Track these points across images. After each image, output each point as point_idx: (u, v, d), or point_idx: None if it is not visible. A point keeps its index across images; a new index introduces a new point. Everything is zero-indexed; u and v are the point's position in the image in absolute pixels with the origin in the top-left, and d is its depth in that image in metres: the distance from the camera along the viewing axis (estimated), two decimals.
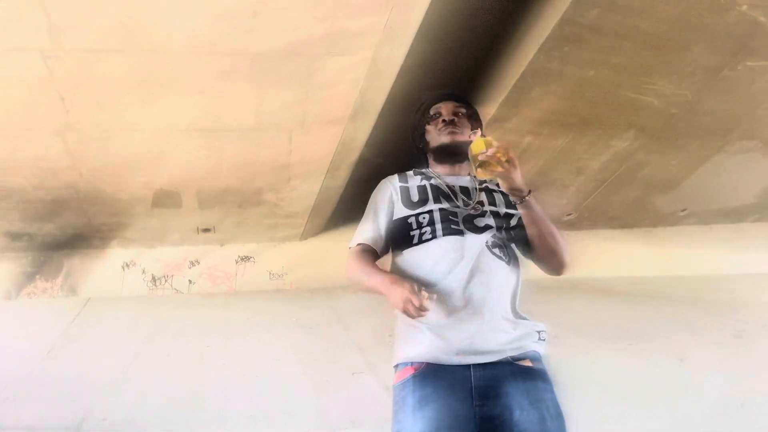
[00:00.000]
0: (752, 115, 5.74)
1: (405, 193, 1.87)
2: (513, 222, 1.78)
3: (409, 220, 1.80)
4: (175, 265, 6.70)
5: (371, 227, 1.87)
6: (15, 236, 6.09)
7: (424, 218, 1.77)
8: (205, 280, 6.72)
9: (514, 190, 1.65)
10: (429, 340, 1.66)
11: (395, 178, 1.96)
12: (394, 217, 1.83)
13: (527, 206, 1.68)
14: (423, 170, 1.97)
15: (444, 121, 1.87)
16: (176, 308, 5.83)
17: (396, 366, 1.72)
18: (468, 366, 1.63)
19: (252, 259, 6.87)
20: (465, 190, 1.87)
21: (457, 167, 1.91)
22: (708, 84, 5.12)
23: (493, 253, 1.71)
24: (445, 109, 1.91)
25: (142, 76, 4.41)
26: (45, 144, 4.92)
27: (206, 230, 6.56)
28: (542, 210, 1.70)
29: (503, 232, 1.77)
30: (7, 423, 2.98)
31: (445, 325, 1.66)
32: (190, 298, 6.43)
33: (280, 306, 5.91)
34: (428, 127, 1.93)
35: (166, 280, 6.64)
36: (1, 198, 5.48)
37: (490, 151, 1.55)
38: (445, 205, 1.80)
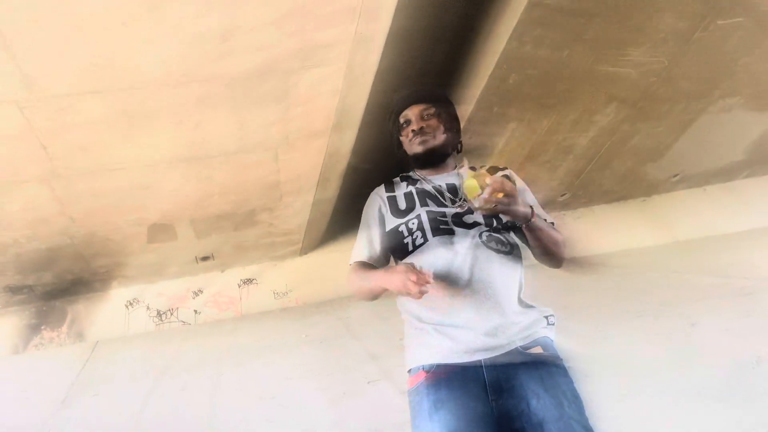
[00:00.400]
0: (730, 73, 5.76)
1: (393, 202, 1.88)
2: (503, 216, 1.79)
3: (400, 229, 1.81)
4: (178, 298, 6.68)
5: (365, 244, 1.88)
6: (15, 290, 6.06)
7: (413, 224, 1.77)
8: (210, 309, 6.69)
9: (518, 218, 1.65)
10: (437, 342, 1.66)
11: (382, 189, 1.96)
12: (387, 229, 1.83)
13: (531, 228, 1.68)
14: (409, 174, 1.98)
15: (413, 130, 1.86)
16: (185, 340, 5.80)
17: (409, 371, 1.72)
18: (479, 362, 1.62)
19: (255, 281, 6.85)
20: (452, 188, 1.87)
21: (440, 167, 1.91)
22: (682, 48, 5.14)
23: (490, 248, 1.71)
24: (412, 114, 1.88)
25: (120, 113, 4.39)
26: (32, 194, 4.90)
27: (205, 258, 6.55)
28: (545, 223, 1.70)
29: (495, 225, 1.77)
30: None
31: (451, 324, 1.66)
32: (197, 328, 6.40)
33: (288, 324, 5.89)
34: (401, 138, 1.93)
35: (171, 314, 6.61)
36: None
37: (486, 193, 1.54)
38: (432, 207, 1.81)
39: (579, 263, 7.02)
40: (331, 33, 4.07)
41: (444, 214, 1.79)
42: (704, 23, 4.84)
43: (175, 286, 6.69)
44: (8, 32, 3.46)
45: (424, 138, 1.85)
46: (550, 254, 1.77)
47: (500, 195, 1.52)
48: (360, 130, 5.20)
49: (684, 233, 7.64)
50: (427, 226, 1.78)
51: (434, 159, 1.87)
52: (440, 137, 1.87)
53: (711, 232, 7.54)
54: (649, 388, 2.95)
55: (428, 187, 1.89)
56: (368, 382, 3.56)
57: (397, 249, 1.83)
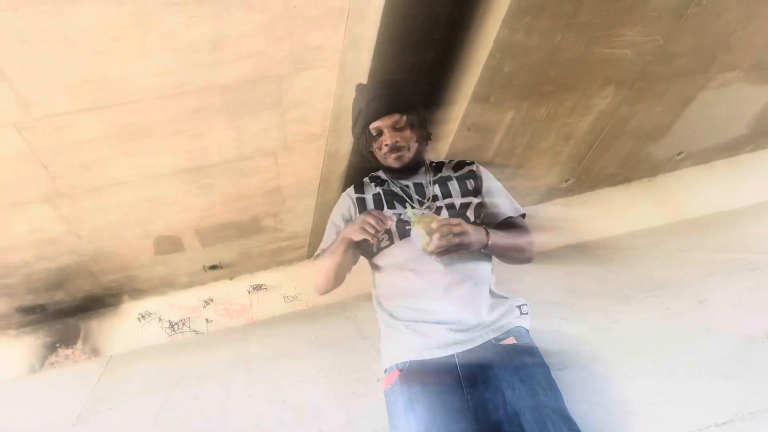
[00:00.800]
0: (727, 46, 5.70)
1: (362, 204, 1.88)
2: (470, 214, 1.78)
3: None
4: (190, 308, 6.72)
5: (331, 240, 1.87)
6: (28, 310, 6.13)
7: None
8: (221, 317, 6.73)
9: (474, 247, 1.65)
10: (410, 339, 1.66)
11: (352, 190, 1.97)
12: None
13: (491, 249, 1.69)
14: (378, 174, 1.97)
15: (387, 145, 1.82)
16: (197, 350, 5.84)
17: (384, 371, 1.73)
18: (452, 357, 1.62)
19: (264, 287, 6.88)
20: (419, 188, 1.87)
21: (411, 173, 1.91)
22: (676, 25, 5.09)
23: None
24: (384, 126, 1.82)
25: (118, 129, 4.43)
26: (37, 214, 4.95)
27: (213, 267, 6.58)
28: (504, 237, 1.70)
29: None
30: None
31: (423, 320, 1.67)
32: (210, 337, 6.44)
33: (299, 327, 5.92)
34: (374, 149, 1.89)
35: (183, 324, 6.65)
36: (6, 276, 5.52)
37: (435, 240, 1.54)
38: (398, 208, 1.81)
39: (586, 249, 7.00)
40: (320, 35, 4.08)
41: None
42: None
43: (186, 296, 6.73)
44: None
45: (399, 154, 1.83)
46: (515, 260, 1.78)
47: (450, 236, 1.52)
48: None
49: (691, 211, 7.59)
50: (393, 229, 1.79)
51: (408, 170, 1.87)
52: (414, 148, 1.85)
53: (718, 208, 7.48)
54: (660, 368, 2.94)
55: (396, 188, 1.90)
56: (377, 380, 3.57)
57: (364, 250, 1.85)
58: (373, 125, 1.88)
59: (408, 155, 1.85)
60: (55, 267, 5.64)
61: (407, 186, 1.89)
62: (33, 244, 5.27)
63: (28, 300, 5.99)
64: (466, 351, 1.64)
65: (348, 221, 1.89)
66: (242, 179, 5.33)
